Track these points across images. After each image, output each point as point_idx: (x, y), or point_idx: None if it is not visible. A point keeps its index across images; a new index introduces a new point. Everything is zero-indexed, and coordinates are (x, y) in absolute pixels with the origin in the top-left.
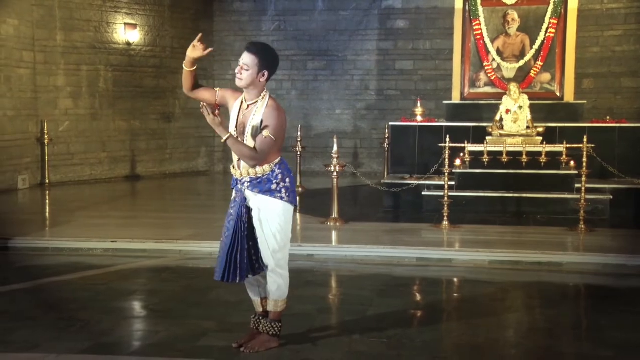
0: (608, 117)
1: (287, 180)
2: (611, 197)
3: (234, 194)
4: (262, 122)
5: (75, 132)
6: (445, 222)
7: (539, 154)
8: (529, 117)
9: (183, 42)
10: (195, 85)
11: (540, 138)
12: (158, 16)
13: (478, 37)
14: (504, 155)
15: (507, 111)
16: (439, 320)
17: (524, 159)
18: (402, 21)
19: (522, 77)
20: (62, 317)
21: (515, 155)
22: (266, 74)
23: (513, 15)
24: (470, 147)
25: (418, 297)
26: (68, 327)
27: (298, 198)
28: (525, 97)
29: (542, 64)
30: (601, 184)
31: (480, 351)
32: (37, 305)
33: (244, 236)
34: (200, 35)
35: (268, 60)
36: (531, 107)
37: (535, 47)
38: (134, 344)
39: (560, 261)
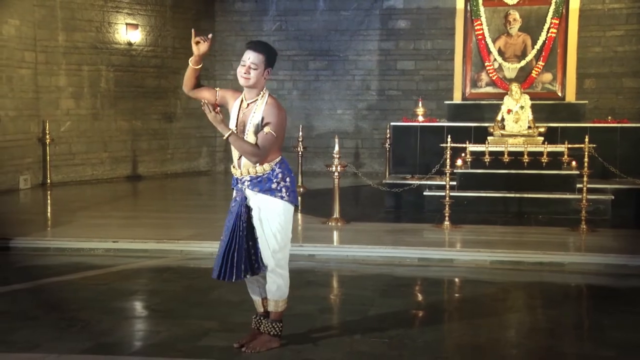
0: (609, 117)
1: (288, 179)
2: (613, 197)
3: (234, 193)
4: (262, 119)
5: (77, 132)
6: (447, 222)
7: (541, 154)
8: (531, 117)
9: (184, 42)
10: (197, 84)
11: (542, 138)
12: (159, 16)
13: (479, 37)
14: (506, 156)
15: (509, 111)
16: (440, 321)
17: (526, 159)
18: (404, 21)
19: (524, 77)
20: (63, 317)
21: (516, 156)
22: (270, 71)
23: (514, 15)
24: (472, 147)
25: (419, 297)
26: (69, 327)
27: (299, 198)
28: (527, 97)
29: (543, 64)
30: (603, 184)
31: (482, 351)
32: (38, 305)
33: (242, 235)
34: (193, 31)
35: (272, 57)
36: (533, 107)
37: (537, 47)
38: (135, 344)
39: (562, 261)
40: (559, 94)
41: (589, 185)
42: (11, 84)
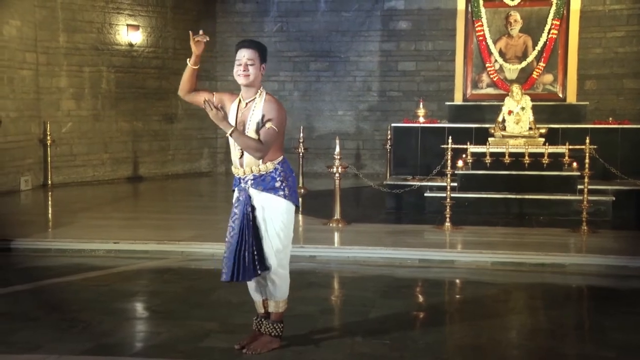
0: (610, 119)
1: (290, 179)
2: (614, 198)
3: (236, 194)
4: (263, 116)
5: (78, 133)
6: (448, 224)
7: (542, 155)
8: (532, 118)
9: (185, 43)
10: (194, 87)
11: (543, 139)
12: (160, 17)
13: (480, 38)
14: (507, 157)
15: (510, 112)
16: (441, 322)
17: (527, 160)
18: (405, 22)
19: (525, 78)
20: (64, 318)
21: (517, 157)
22: (264, 66)
23: (515, 16)
24: (473, 149)
25: (420, 298)
26: (70, 328)
27: (300, 199)
28: (528, 98)
29: (544, 65)
30: (603, 185)
31: (483, 352)
32: (39, 306)
33: (250, 235)
34: (191, 33)
35: (264, 52)
36: (533, 108)
37: (538, 48)
38: (136, 345)
39: (563, 262)
40: (560, 95)
41: (589, 187)
42: (12, 85)
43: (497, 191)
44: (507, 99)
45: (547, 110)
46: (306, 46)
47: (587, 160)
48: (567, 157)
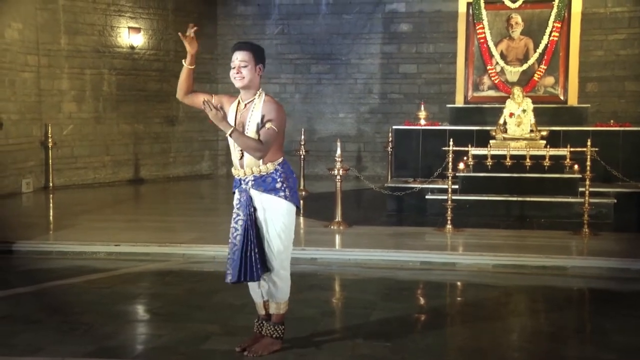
0: (612, 121)
1: (290, 180)
2: (615, 200)
3: (237, 195)
4: (263, 117)
5: (79, 135)
6: (449, 226)
7: (543, 157)
8: (533, 120)
9: None
10: (192, 88)
11: (544, 142)
12: (161, 20)
13: (481, 40)
14: (508, 159)
15: (511, 115)
16: (442, 324)
17: (528, 162)
18: (406, 25)
19: (526, 80)
20: (65, 320)
21: (518, 159)
22: (261, 67)
23: (517, 18)
24: (474, 151)
25: (422, 300)
26: (71, 331)
27: (301, 202)
28: (529, 100)
29: (545, 67)
30: (605, 187)
31: (484, 355)
32: (41, 309)
33: (254, 235)
34: (180, 34)
35: (259, 53)
36: (535, 110)
37: (539, 50)
38: (138, 347)
39: (564, 265)
40: (561, 98)
41: (591, 189)
42: (14, 87)
43: (498, 193)
44: (508, 102)
45: (548, 112)
46: (307, 49)
47: (588, 163)
48: (568, 160)
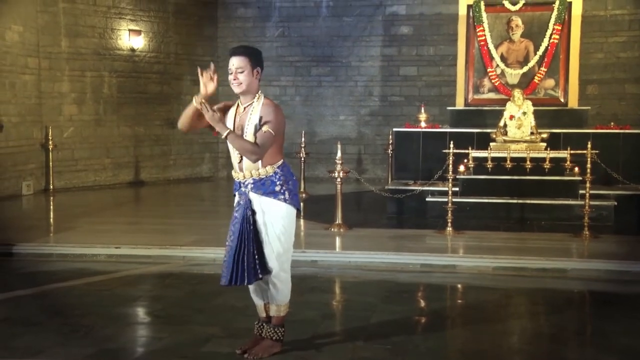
0: (612, 123)
1: (290, 182)
2: (615, 203)
3: (237, 198)
4: (260, 119)
5: (80, 138)
6: (449, 228)
7: (543, 160)
8: (533, 123)
9: (187, 48)
10: (194, 126)
11: (544, 144)
12: (162, 22)
13: (482, 43)
14: (508, 161)
15: (511, 117)
16: (443, 327)
17: (528, 165)
18: (406, 27)
19: (526, 83)
20: (66, 322)
21: (519, 161)
22: (259, 70)
23: (517, 21)
24: (474, 153)
25: (422, 303)
26: (72, 333)
27: (302, 204)
28: (529, 103)
29: (546, 70)
30: (605, 190)
31: (485, 357)
32: (41, 311)
33: (250, 238)
34: (199, 69)
35: (256, 56)
36: (535, 113)
37: (539, 53)
38: (138, 350)
39: (565, 267)
40: (562, 100)
41: (591, 192)
42: (14, 89)
43: (498, 196)
44: (508, 104)
45: (548, 115)
46: (308, 51)
47: (588, 165)
48: (568, 162)
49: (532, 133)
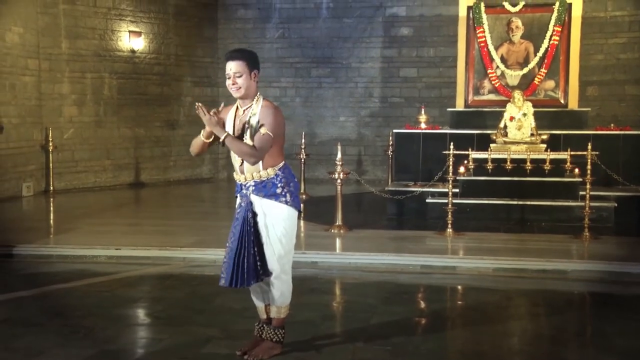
0: (612, 125)
1: (291, 184)
2: (615, 204)
3: (238, 200)
4: (259, 121)
5: (80, 139)
6: (449, 230)
7: (543, 161)
8: (533, 124)
9: (187, 49)
10: (205, 152)
11: (545, 145)
12: (162, 24)
13: (482, 44)
14: (508, 163)
15: (511, 118)
16: (443, 328)
17: (528, 166)
18: (406, 29)
19: (526, 84)
20: (66, 324)
21: (519, 163)
22: (256, 72)
23: (517, 22)
24: (474, 155)
25: (422, 304)
26: (72, 334)
27: (302, 205)
28: (529, 104)
29: (546, 71)
30: (605, 191)
31: (485, 358)
32: (42, 312)
33: (251, 240)
34: (198, 105)
35: (252, 59)
36: (535, 114)
37: (539, 54)
38: (138, 351)
39: (565, 269)
40: (562, 101)
41: (591, 193)
42: (14, 91)
43: (498, 197)
44: (508, 105)
45: (548, 116)
46: (308, 52)
47: (588, 167)
48: (568, 163)
49: (532, 134)
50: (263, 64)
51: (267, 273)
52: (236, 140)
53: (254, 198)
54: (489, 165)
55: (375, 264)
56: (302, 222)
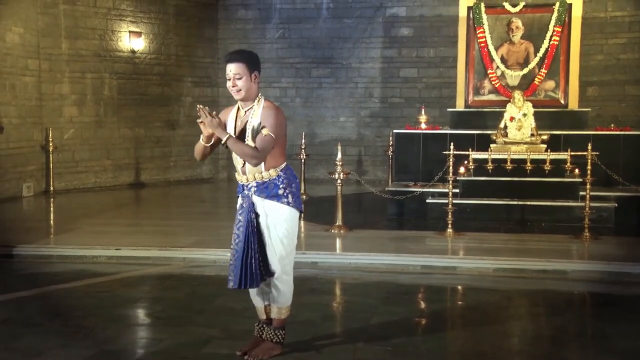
0: (612, 125)
1: (293, 185)
2: (616, 204)
3: (240, 201)
4: (260, 122)
5: (80, 139)
6: (450, 230)
7: (544, 161)
8: (533, 124)
9: (187, 49)
10: (208, 156)
11: (545, 145)
12: (162, 24)
13: (482, 44)
14: (508, 163)
15: (512, 119)
16: (443, 328)
17: (529, 166)
18: (406, 29)
19: (526, 84)
20: (66, 324)
21: (519, 163)
22: (257, 74)
23: (517, 23)
24: (475, 155)
25: (422, 304)
26: (73, 335)
27: (302, 205)
28: (530, 104)
29: (546, 71)
30: (605, 191)
31: (485, 358)
32: (42, 313)
33: (255, 242)
34: (200, 107)
35: (253, 60)
36: (535, 114)
37: (540, 54)
38: (138, 351)
39: (565, 269)
40: (562, 102)
41: (592, 193)
42: (14, 91)
43: (499, 197)
44: (508, 106)
45: (549, 116)
46: (308, 53)
47: (589, 167)
48: (569, 164)
49: (532, 135)
50: (263, 64)
51: (270, 273)
52: (238, 142)
53: (255, 199)
54: (489, 166)
55: (376, 264)
56: (302, 223)
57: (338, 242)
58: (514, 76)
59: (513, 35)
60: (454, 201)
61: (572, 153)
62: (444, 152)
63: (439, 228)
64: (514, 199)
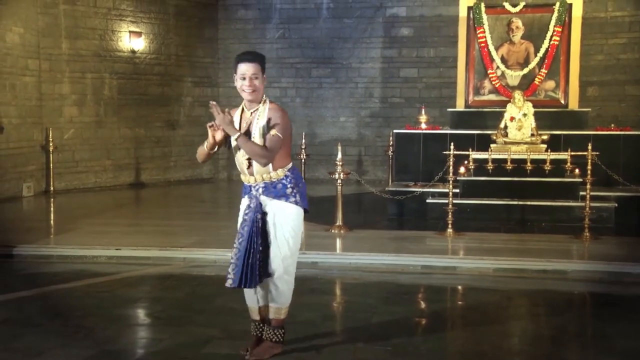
0: (612, 125)
1: (300, 185)
2: (616, 204)
3: (247, 201)
4: (268, 122)
5: (80, 139)
6: (450, 230)
7: (544, 161)
8: (534, 124)
9: (187, 49)
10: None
11: (545, 146)
12: (163, 24)
13: (482, 44)
14: (509, 163)
15: (512, 119)
16: (443, 328)
17: (529, 166)
18: (407, 29)
19: (527, 84)
20: (66, 324)
21: (519, 163)
22: (265, 76)
23: (517, 23)
24: (475, 155)
25: (422, 304)
26: (73, 335)
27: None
28: (530, 104)
29: (546, 71)
30: (606, 191)
31: (485, 358)
32: (42, 313)
33: (259, 241)
34: (212, 103)
35: (264, 61)
36: (535, 114)
37: (540, 54)
38: (138, 351)
39: (565, 269)
40: (562, 102)
41: (592, 193)
42: (15, 91)
43: (499, 197)
44: (509, 106)
45: (549, 116)
46: (308, 53)
47: (589, 167)
48: (569, 164)
49: (532, 135)
50: None
51: (268, 274)
52: (249, 141)
53: (263, 199)
54: (489, 166)
55: (376, 264)
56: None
57: (338, 242)
58: (514, 76)
59: (513, 35)
60: (454, 201)
61: (572, 153)
62: (444, 152)
63: (439, 228)
64: (514, 199)
